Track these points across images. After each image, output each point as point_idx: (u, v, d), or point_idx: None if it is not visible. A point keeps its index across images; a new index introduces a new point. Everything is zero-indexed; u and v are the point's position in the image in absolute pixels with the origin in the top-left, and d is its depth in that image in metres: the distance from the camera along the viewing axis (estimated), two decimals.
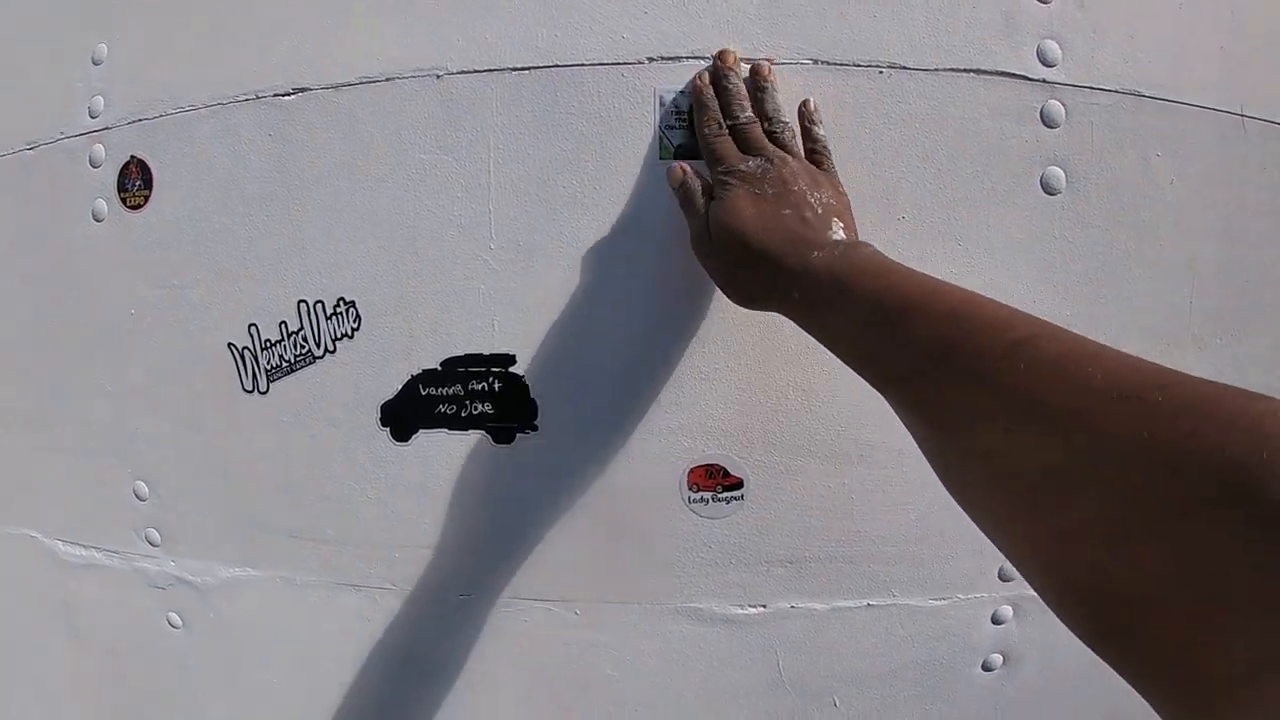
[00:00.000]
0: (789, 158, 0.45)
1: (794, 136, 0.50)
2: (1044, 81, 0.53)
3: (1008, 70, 0.52)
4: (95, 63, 0.64)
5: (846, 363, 0.37)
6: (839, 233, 0.42)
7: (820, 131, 0.48)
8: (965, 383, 0.29)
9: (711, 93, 0.50)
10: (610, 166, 0.53)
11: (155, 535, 0.64)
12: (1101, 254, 0.55)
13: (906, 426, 0.33)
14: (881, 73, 0.52)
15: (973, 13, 0.52)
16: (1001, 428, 0.27)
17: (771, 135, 0.47)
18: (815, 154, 0.47)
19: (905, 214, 0.53)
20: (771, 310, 0.42)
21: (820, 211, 0.42)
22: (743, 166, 0.44)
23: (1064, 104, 0.53)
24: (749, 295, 0.43)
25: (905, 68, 0.52)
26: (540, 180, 0.53)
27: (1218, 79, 0.56)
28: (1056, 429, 0.25)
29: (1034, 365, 0.27)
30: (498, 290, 0.54)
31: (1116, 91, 0.55)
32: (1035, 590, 0.27)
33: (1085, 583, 0.24)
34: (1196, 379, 0.24)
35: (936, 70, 0.52)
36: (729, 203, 0.42)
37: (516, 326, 0.54)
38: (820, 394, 0.54)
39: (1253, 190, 0.57)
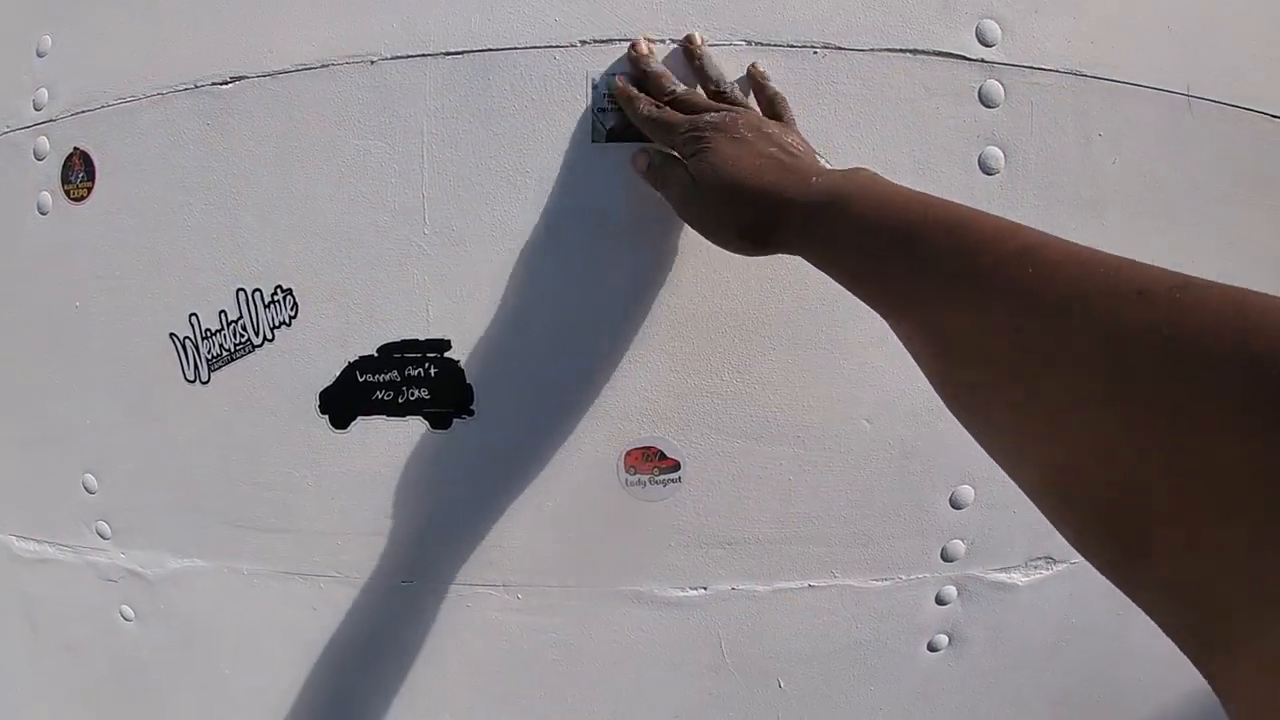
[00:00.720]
0: (749, 108, 0.44)
1: (745, 95, 0.50)
2: (982, 61, 0.53)
3: (945, 50, 0.52)
4: (39, 55, 0.63)
5: (856, 290, 0.35)
6: (827, 162, 0.42)
7: (774, 88, 0.48)
8: (980, 299, 0.28)
9: (634, 89, 0.49)
10: (543, 150, 0.52)
11: (105, 528, 0.64)
12: None
13: (916, 355, 0.32)
14: (816, 53, 0.52)
15: None
16: (1016, 331, 0.25)
17: (721, 96, 0.46)
18: (775, 106, 0.47)
19: None
20: (780, 250, 0.41)
21: (803, 146, 0.42)
22: (710, 118, 0.43)
23: (1003, 84, 0.53)
24: (757, 238, 0.41)
25: (840, 48, 0.52)
26: (473, 164, 0.53)
27: (1164, 59, 0.56)
28: (1073, 326, 0.23)
29: (1043, 267, 0.25)
30: (432, 275, 0.54)
31: (1057, 71, 0.55)
32: (1054, 521, 0.25)
33: (1114, 501, 0.22)
34: (1216, 282, 0.22)
35: (872, 50, 0.52)
36: (712, 153, 0.41)
37: (451, 311, 0.54)
38: (756, 374, 0.54)
39: (1198, 170, 0.58)
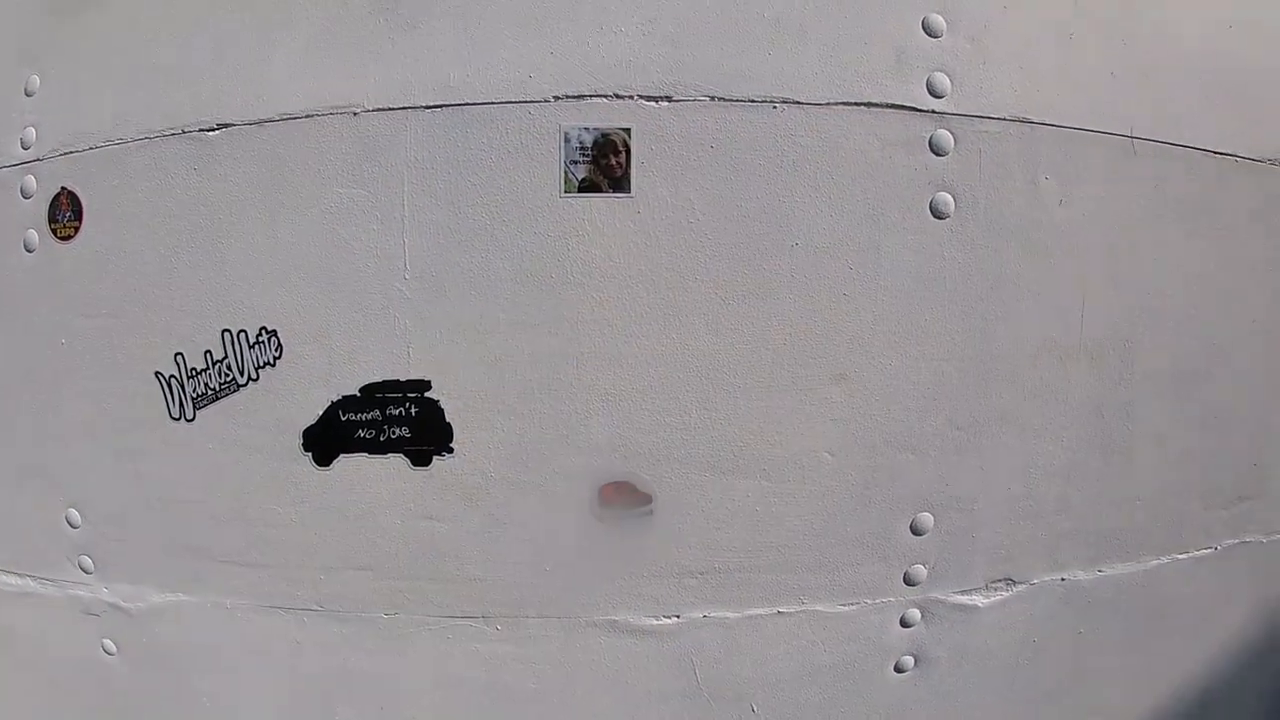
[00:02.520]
0: None
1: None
2: (933, 112, 0.56)
3: (897, 103, 0.56)
4: (28, 94, 0.65)
5: None
6: None
7: None
8: None
9: None
10: (518, 199, 0.55)
11: (88, 562, 0.65)
12: (992, 274, 0.58)
13: None
14: (775, 108, 0.55)
15: (864, 48, 0.55)
16: None
17: None
18: None
19: (797, 241, 0.55)
20: None
21: None
22: None
23: (953, 132, 0.56)
24: None
25: (798, 103, 0.55)
26: (451, 213, 0.55)
27: (1107, 103, 0.59)
28: None
29: None
30: (413, 318, 0.56)
31: (1004, 119, 0.58)
32: None
33: None
34: None
35: (829, 104, 0.56)
36: None
37: (431, 353, 0.56)
38: (722, 410, 0.57)
39: (1142, 208, 0.61)
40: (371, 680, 0.60)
